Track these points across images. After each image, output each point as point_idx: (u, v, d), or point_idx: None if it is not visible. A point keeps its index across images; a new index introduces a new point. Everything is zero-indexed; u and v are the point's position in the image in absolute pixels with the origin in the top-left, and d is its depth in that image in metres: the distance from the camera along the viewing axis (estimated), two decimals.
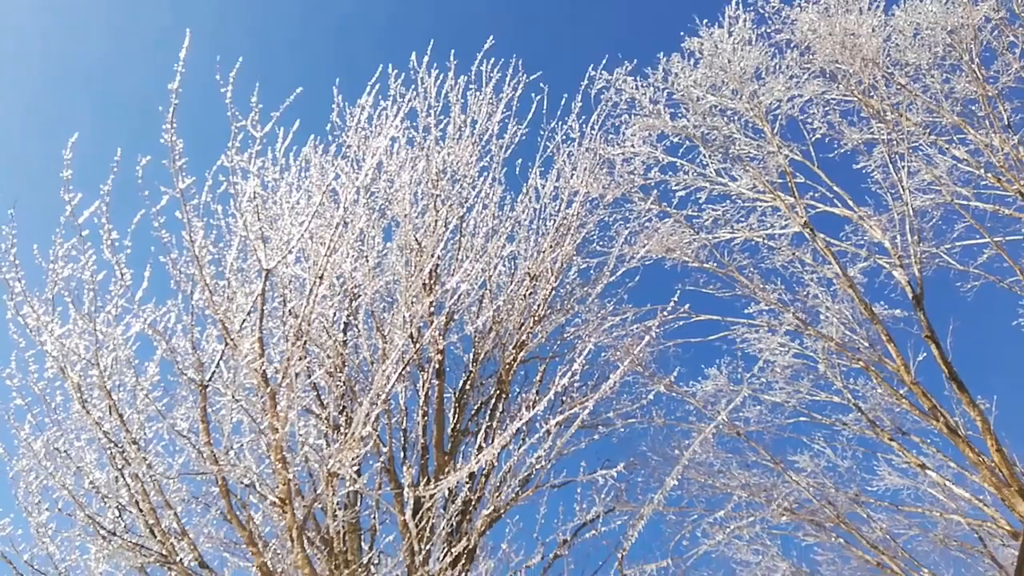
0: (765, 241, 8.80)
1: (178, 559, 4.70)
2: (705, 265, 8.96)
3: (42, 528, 5.32)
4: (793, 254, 8.74)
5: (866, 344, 8.30)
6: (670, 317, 8.50)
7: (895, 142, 7.76)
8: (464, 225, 6.91)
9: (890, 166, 7.93)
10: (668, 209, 8.95)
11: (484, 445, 4.14)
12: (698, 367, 9.98)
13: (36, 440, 5.11)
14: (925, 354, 7.48)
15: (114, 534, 4.90)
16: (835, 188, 8.41)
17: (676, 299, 5.51)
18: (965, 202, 7.65)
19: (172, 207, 4.46)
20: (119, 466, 4.67)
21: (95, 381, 4.63)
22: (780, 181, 8.45)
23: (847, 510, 8.56)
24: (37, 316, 4.58)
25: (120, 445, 4.55)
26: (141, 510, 4.73)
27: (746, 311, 9.20)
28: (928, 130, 7.47)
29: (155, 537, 4.75)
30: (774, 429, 9.30)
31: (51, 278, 4.69)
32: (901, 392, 7.83)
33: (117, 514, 4.98)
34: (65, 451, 5.08)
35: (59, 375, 4.83)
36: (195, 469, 4.89)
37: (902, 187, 7.86)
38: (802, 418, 9.22)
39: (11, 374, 5.10)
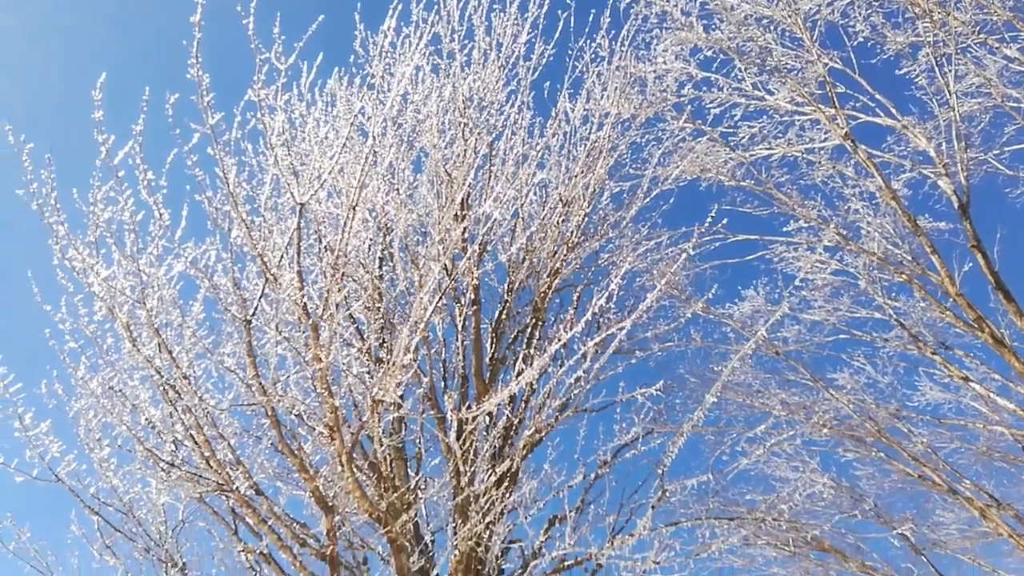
0: (804, 156, 8.53)
1: (234, 487, 4.90)
2: (742, 184, 8.75)
3: (104, 463, 5.59)
4: (833, 168, 8.48)
5: (909, 258, 8.11)
6: (706, 238, 8.38)
7: (942, 43, 7.36)
8: (493, 153, 6.82)
9: (936, 70, 7.55)
10: (703, 127, 8.69)
11: (523, 368, 4.18)
12: (735, 289, 9.90)
13: (92, 379, 5.31)
14: (971, 264, 7.29)
15: (172, 465, 5.12)
16: (877, 96, 8.06)
17: (712, 217, 5.39)
18: (1016, 104, 7.27)
19: (203, 145, 4.45)
20: (172, 401, 4.83)
21: (143, 320, 4.74)
22: (819, 92, 8.12)
23: (887, 425, 8.55)
24: (82, 259, 4.67)
25: (171, 381, 4.70)
26: (196, 443, 4.91)
27: (784, 230, 9.04)
28: (977, 28, 7.06)
29: (211, 468, 4.95)
30: (813, 348, 9.25)
31: (92, 221, 4.76)
32: (945, 305, 7.68)
33: (174, 448, 5.19)
34: (120, 390, 5.27)
35: (108, 317, 4.96)
36: (245, 402, 5.05)
37: (948, 92, 7.51)
38: (842, 336, 9.15)
39: (63, 318, 5.26)
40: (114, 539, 5.71)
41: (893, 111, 8.07)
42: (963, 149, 7.34)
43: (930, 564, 8.39)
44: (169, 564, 5.69)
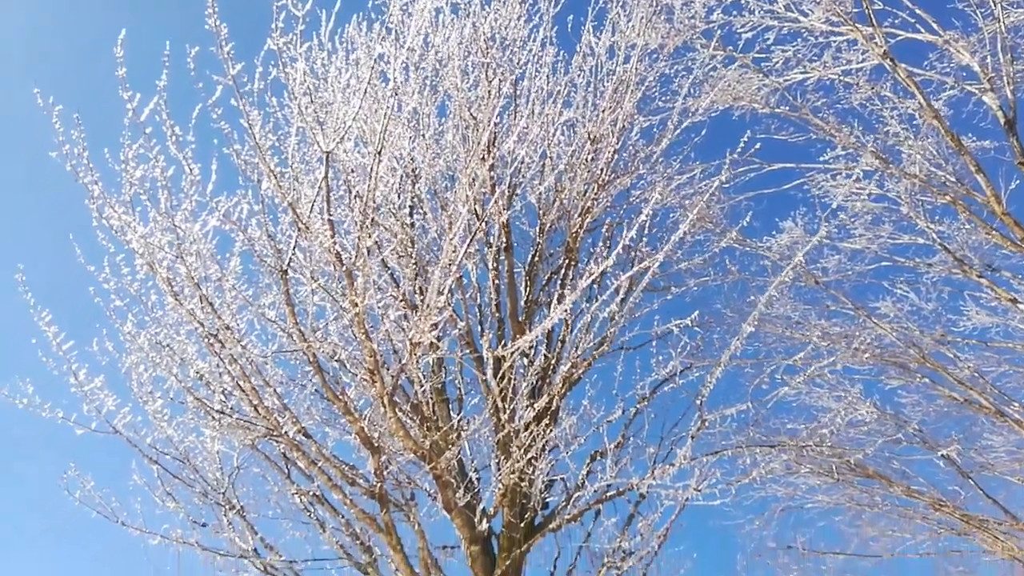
0: (841, 79, 8.19)
1: (283, 432, 5.06)
2: (776, 110, 8.46)
3: (158, 414, 5.80)
4: (872, 89, 8.14)
5: (952, 179, 7.82)
6: (741, 169, 8.20)
7: None
8: (518, 93, 6.71)
9: None
10: (734, 53, 8.38)
11: (556, 306, 4.20)
12: (772, 221, 9.69)
13: (139, 335, 5.48)
14: (1018, 182, 7.02)
15: (223, 413, 5.30)
16: (917, 11, 7.66)
17: (744, 142, 5.25)
18: None
19: (226, 98, 4.47)
20: (217, 351, 4.97)
21: (183, 275, 4.85)
22: (856, 11, 7.74)
23: (932, 351, 8.40)
24: (119, 217, 4.77)
25: (214, 331, 4.83)
26: (243, 391, 5.06)
27: (822, 158, 8.78)
28: None
29: (259, 414, 5.11)
30: (854, 277, 9.04)
31: (125, 180, 4.84)
32: (991, 225, 7.42)
33: (223, 398, 5.37)
34: (168, 345, 5.44)
35: (150, 274, 5.09)
36: (287, 349, 5.18)
37: (994, 2, 7.11)
38: (884, 263, 8.92)
39: (106, 278, 5.41)
40: (174, 486, 5.96)
41: (934, 26, 7.68)
42: (1009, 62, 6.99)
43: (977, 487, 8.34)
44: (227, 507, 5.93)
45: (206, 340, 4.97)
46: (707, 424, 4.66)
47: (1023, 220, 6.93)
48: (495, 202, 6.03)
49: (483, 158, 6.02)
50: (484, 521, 4.94)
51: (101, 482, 5.94)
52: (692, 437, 4.58)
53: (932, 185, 7.80)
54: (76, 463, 5.96)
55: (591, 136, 6.69)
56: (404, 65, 6.19)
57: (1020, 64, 7.39)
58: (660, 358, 5.14)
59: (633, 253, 6.78)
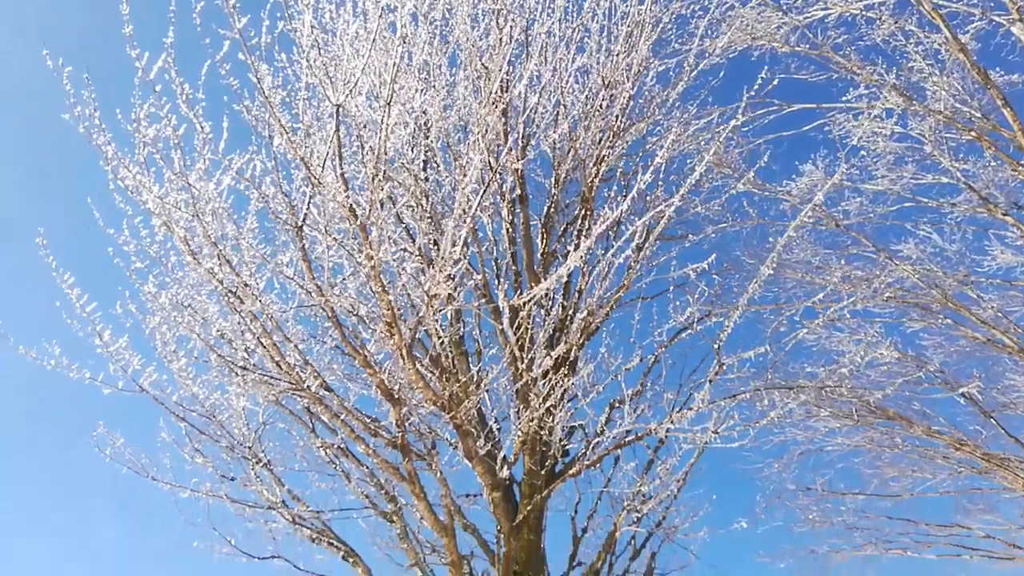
0: (863, 14, 7.90)
1: (305, 386, 5.14)
2: (796, 48, 8.21)
3: (183, 372, 5.90)
4: (895, 24, 7.84)
5: (978, 115, 7.58)
6: (760, 111, 8.01)
7: None
8: (529, 40, 6.57)
9: None
10: None
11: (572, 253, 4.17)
12: (792, 164, 9.50)
13: (161, 296, 5.55)
14: None
15: (246, 370, 5.39)
16: None
17: (762, 79, 5.10)
18: None
19: (234, 53, 4.42)
20: (236, 308, 5.02)
21: (199, 234, 4.87)
22: None
23: (956, 291, 8.29)
24: (133, 177, 4.77)
25: (234, 290, 4.87)
26: (265, 348, 5.12)
27: (844, 98, 8.53)
28: None
29: (281, 370, 5.18)
30: (876, 219, 8.89)
31: (138, 140, 4.83)
32: (1018, 161, 7.22)
33: (246, 355, 5.44)
34: (189, 304, 5.50)
35: (168, 235, 5.12)
36: (305, 305, 5.21)
37: None
38: (907, 204, 8.74)
39: (126, 240, 5.46)
40: (201, 442, 6.10)
41: None
42: None
43: (999, 426, 8.31)
44: (254, 461, 6.07)
45: (226, 298, 5.01)
46: (725, 368, 4.66)
47: None
48: (508, 151, 5.96)
49: (495, 107, 5.93)
50: (505, 468, 5.02)
51: (130, 439, 6.10)
52: (710, 381, 4.59)
53: (957, 121, 7.58)
54: (104, 421, 6.10)
55: (605, 82, 6.56)
56: (413, 15, 6.07)
57: None
58: (678, 304, 5.12)
59: (649, 199, 6.70)
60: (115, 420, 6.31)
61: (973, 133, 7.44)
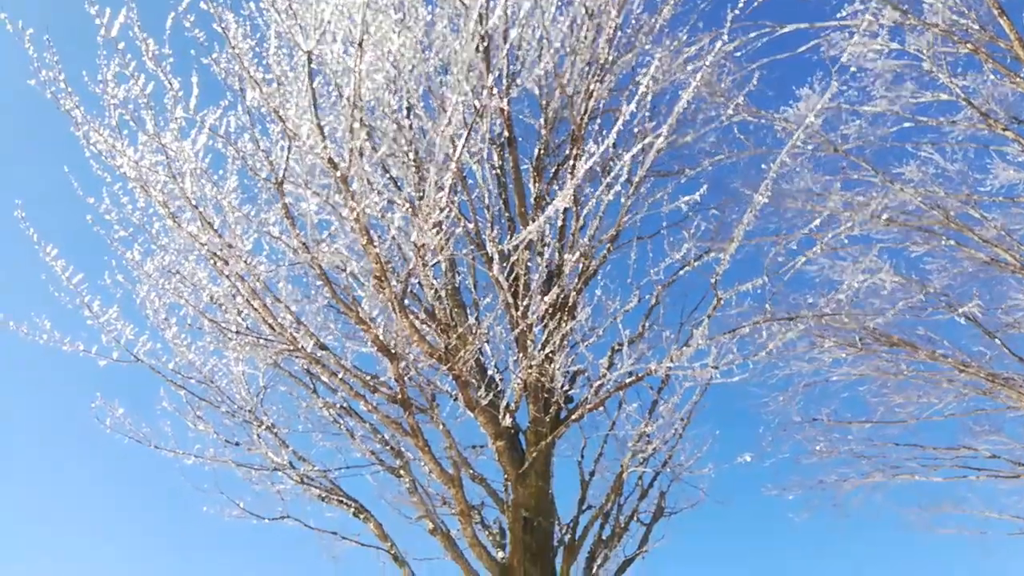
0: None
1: (300, 347, 5.06)
2: None
3: (176, 340, 5.82)
4: None
5: (976, 26, 7.31)
6: (752, 35, 7.72)
7: None
8: None
9: None
10: None
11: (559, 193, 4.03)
12: (789, 89, 9.22)
13: (146, 263, 5.43)
14: None
15: (238, 333, 5.30)
16: None
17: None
18: None
19: (198, 2, 4.21)
20: (225, 272, 4.90)
21: (179, 196, 4.72)
22: None
23: (958, 212, 8.14)
24: (105, 141, 4.60)
25: (218, 251, 4.74)
26: (256, 309, 5.02)
27: (838, 15, 8.21)
28: None
29: (275, 332, 5.10)
30: (876, 141, 8.65)
31: (108, 102, 4.64)
32: (1017, 74, 6.99)
33: (239, 319, 5.35)
34: (176, 271, 5.39)
35: (149, 201, 4.97)
36: (292, 263, 5.10)
37: None
38: (906, 124, 8.48)
39: (107, 208, 5.31)
40: (202, 408, 6.06)
41: None
42: None
43: (1004, 346, 8.25)
44: (256, 424, 6.04)
45: (211, 261, 4.89)
46: (722, 302, 4.56)
47: None
48: (489, 88, 5.75)
49: (476, 45, 5.69)
50: (507, 417, 4.97)
51: (130, 409, 6.06)
52: (708, 317, 4.49)
53: (954, 34, 7.30)
54: (101, 393, 6.06)
55: (589, 12, 6.29)
56: None
57: None
58: (674, 240, 4.99)
59: (638, 133, 6.50)
60: (112, 391, 6.27)
61: (970, 46, 7.18)
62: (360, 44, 3.80)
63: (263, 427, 6.07)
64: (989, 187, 8.60)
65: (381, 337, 4.70)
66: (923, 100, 8.31)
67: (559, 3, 6.42)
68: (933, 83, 8.23)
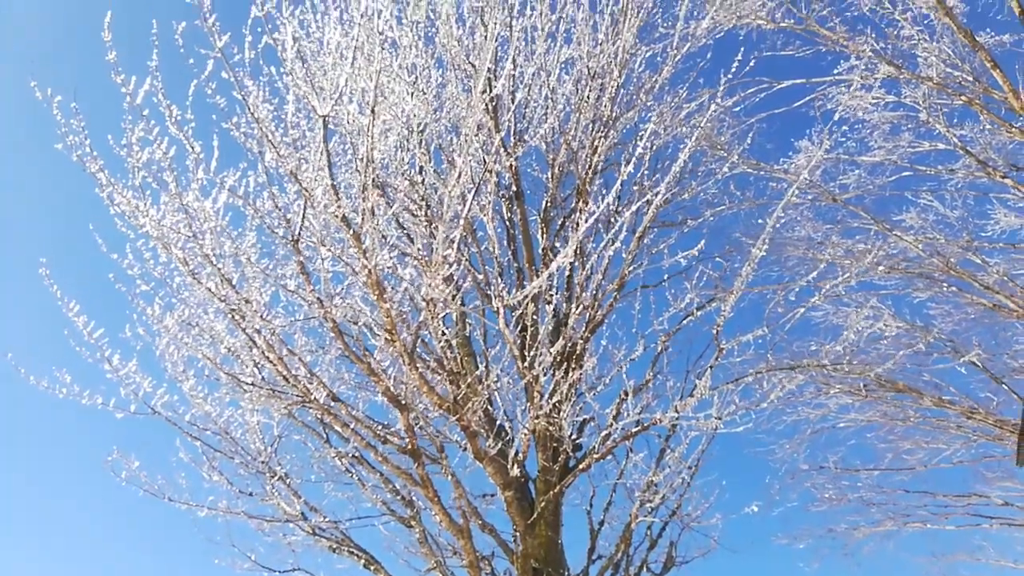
0: None
1: (313, 398, 5.17)
2: (782, 25, 8.17)
3: (193, 392, 5.95)
4: None
5: (970, 79, 7.52)
6: (750, 91, 7.98)
7: None
8: (514, 35, 6.56)
9: None
10: None
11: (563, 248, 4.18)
12: (788, 142, 9.44)
13: (167, 317, 5.59)
14: None
15: (254, 385, 5.43)
16: None
17: (738, 61, 5.08)
18: None
19: (220, 71, 4.44)
20: (242, 326, 5.06)
21: (198, 254, 4.90)
22: None
23: (959, 258, 8.23)
24: (128, 202, 4.81)
25: (236, 307, 4.90)
26: (271, 362, 5.16)
27: (834, 71, 8.48)
28: None
29: (289, 383, 5.22)
30: (875, 190, 8.83)
31: (131, 165, 4.86)
32: (1012, 124, 7.16)
33: (255, 370, 5.48)
34: (196, 324, 5.54)
35: (170, 256, 5.16)
36: (306, 317, 5.25)
37: None
38: (905, 173, 8.68)
39: (130, 264, 5.50)
40: (216, 459, 6.14)
41: None
42: None
43: (1011, 391, 8.24)
44: (270, 475, 6.11)
45: (229, 315, 5.05)
46: (724, 352, 4.65)
47: None
48: (498, 147, 5.97)
49: (486, 107, 5.93)
50: (515, 467, 5.03)
51: (145, 462, 6.15)
52: (711, 367, 4.59)
53: (949, 87, 7.52)
54: (118, 446, 6.16)
55: (592, 72, 6.55)
56: (398, 18, 6.08)
57: None
58: (674, 292, 5.12)
59: (638, 189, 6.69)
60: (130, 442, 6.37)
61: (965, 98, 7.39)
62: (373, 110, 4.00)
63: (276, 477, 6.14)
64: (990, 232, 8.71)
65: (392, 388, 4.81)
66: (921, 150, 8.50)
67: (563, 64, 6.70)
68: (930, 133, 8.43)
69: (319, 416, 5.97)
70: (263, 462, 6.22)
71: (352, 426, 5.37)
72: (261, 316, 4.66)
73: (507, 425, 6.09)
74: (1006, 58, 7.33)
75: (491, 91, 5.76)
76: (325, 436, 6.32)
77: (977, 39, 6.93)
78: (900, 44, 7.99)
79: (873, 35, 8.12)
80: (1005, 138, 7.71)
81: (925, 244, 8.15)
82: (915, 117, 8.33)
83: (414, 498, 6.02)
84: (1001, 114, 7.30)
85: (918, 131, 8.50)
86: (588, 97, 6.58)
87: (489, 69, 5.97)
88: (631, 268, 6.17)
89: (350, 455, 6.25)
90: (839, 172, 8.87)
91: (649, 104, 7.40)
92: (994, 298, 7.96)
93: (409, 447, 4.89)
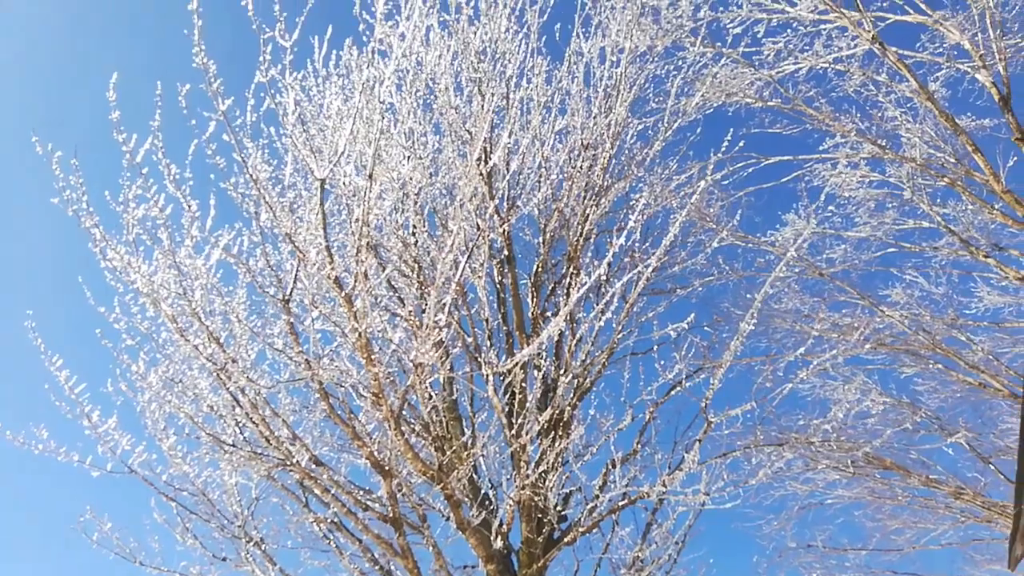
0: (832, 67, 8.15)
1: (295, 461, 5.08)
2: (769, 104, 8.44)
3: (173, 451, 5.83)
4: (864, 75, 8.09)
5: (952, 160, 7.76)
6: (738, 165, 8.16)
7: None
8: (511, 105, 6.73)
9: None
10: (723, 50, 8.36)
11: (554, 317, 4.19)
12: (775, 215, 9.64)
13: (150, 374, 5.52)
14: (1016, 158, 6.95)
15: (235, 446, 5.33)
16: None
17: (728, 140, 5.23)
18: None
19: (221, 132, 4.51)
20: (227, 385, 5.00)
21: (187, 311, 4.88)
22: None
23: (945, 336, 8.32)
24: (121, 258, 4.81)
25: (222, 366, 4.85)
26: (254, 422, 5.09)
27: (820, 148, 8.73)
28: None
29: (271, 445, 5.13)
30: (861, 265, 8.99)
31: (127, 221, 4.88)
32: (993, 205, 7.35)
33: (237, 430, 5.39)
34: (180, 380, 5.47)
35: (158, 311, 5.13)
36: (293, 379, 5.20)
37: None
38: (890, 250, 8.85)
39: (116, 318, 5.46)
40: (192, 521, 5.98)
41: (922, 6, 7.64)
42: (999, 38, 6.94)
43: (998, 472, 8.21)
44: (245, 540, 5.94)
45: (215, 374, 5.00)
46: (713, 426, 4.63)
47: None
48: (490, 212, 6.04)
49: (480, 172, 6.03)
50: (499, 539, 4.92)
51: (119, 522, 5.97)
52: (699, 441, 4.55)
53: (932, 168, 7.74)
54: (92, 505, 5.99)
55: (585, 143, 6.69)
56: (398, 86, 6.23)
57: (1011, 39, 7.33)
58: (664, 362, 5.12)
59: (627, 260, 6.77)
60: (104, 503, 6.19)
61: (947, 179, 7.59)
62: (371, 175, 4.06)
63: (252, 542, 5.97)
64: (975, 310, 8.83)
65: (376, 453, 4.74)
66: (905, 227, 8.68)
67: (558, 134, 6.87)
68: (915, 211, 8.63)
69: (300, 479, 5.85)
70: (239, 526, 6.05)
71: (333, 491, 5.26)
72: (247, 376, 4.60)
73: (491, 494, 5.98)
74: (987, 141, 7.59)
75: (487, 161, 5.86)
76: (304, 500, 6.17)
77: (958, 123, 7.17)
78: (884, 125, 8.26)
79: (858, 115, 8.41)
80: (987, 218, 7.90)
81: (911, 320, 8.24)
82: (899, 195, 8.55)
83: (393, 568, 5.85)
84: (983, 195, 7.51)
85: (903, 209, 8.72)
86: (581, 167, 6.72)
87: (485, 138, 6.09)
88: (620, 335, 6.18)
89: (329, 520, 6.10)
90: (825, 246, 9.05)
91: (640, 175, 7.56)
92: (979, 376, 8.01)
93: (391, 515, 4.79)
